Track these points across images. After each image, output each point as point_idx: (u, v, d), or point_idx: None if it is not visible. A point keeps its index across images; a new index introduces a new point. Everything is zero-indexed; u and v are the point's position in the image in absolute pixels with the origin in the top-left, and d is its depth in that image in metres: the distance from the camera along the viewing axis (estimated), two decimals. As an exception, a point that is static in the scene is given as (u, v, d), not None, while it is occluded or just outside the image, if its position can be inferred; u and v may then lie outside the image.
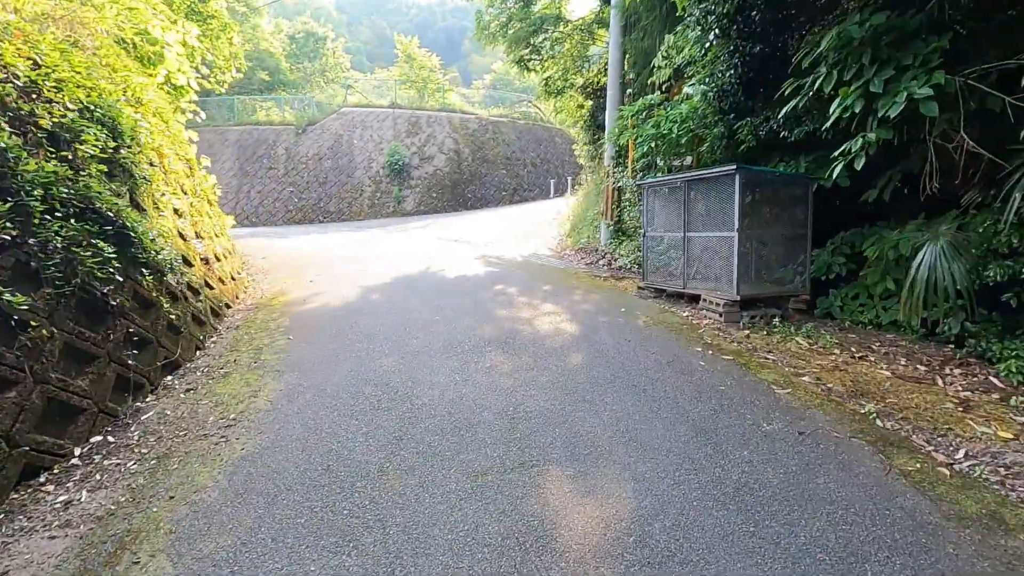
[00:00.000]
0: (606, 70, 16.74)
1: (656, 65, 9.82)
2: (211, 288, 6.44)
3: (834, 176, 4.67)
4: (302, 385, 4.37)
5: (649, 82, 10.37)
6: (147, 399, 4.09)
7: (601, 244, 11.56)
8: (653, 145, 8.84)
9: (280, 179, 24.30)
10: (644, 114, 9.90)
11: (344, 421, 3.72)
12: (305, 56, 32.88)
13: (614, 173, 11.27)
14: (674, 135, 8.40)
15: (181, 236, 6.17)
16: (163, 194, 6.05)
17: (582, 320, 6.33)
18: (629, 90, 12.19)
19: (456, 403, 4.00)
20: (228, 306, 6.87)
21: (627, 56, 11.80)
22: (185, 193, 7.16)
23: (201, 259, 6.50)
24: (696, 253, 7.10)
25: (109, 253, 4.09)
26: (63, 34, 5.86)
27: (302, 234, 15.77)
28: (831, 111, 4.59)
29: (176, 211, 6.37)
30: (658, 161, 9.56)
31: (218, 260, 7.27)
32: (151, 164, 6.11)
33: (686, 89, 9.85)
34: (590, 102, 18.14)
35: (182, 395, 4.18)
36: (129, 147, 5.42)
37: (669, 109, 8.89)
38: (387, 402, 4.03)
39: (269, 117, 25.55)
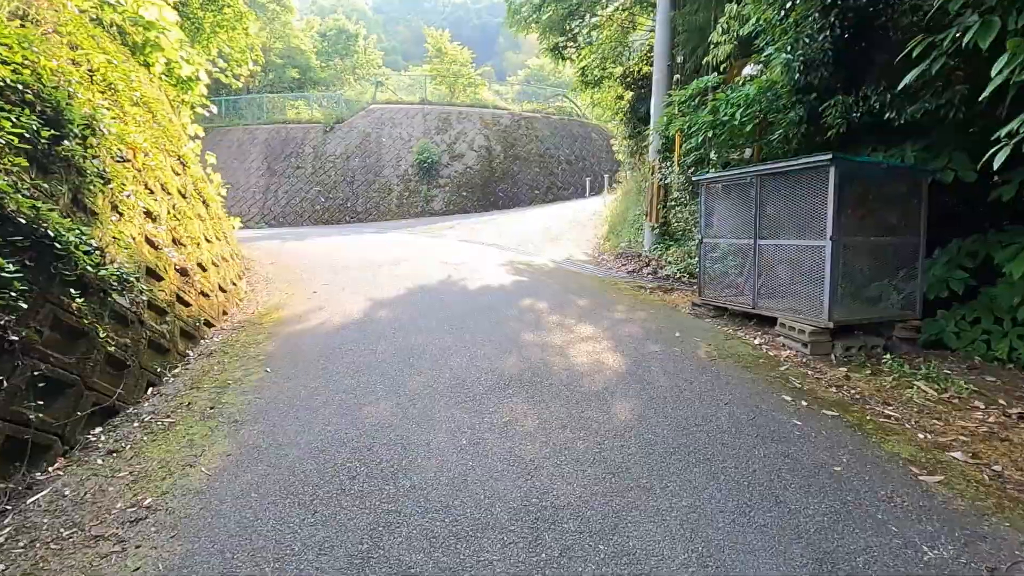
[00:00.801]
0: (648, 57, 15.37)
1: (713, 42, 8.44)
2: (187, 305, 5.48)
3: (995, 165, 3.29)
4: (258, 448, 3.30)
5: (704, 62, 8.99)
6: (52, 466, 3.09)
7: (644, 249, 10.25)
8: (710, 135, 7.49)
9: (307, 178, 23.74)
10: (696, 100, 8.55)
11: (297, 518, 2.62)
12: (336, 53, 32.43)
13: (660, 169, 9.94)
14: (736, 122, 7.04)
15: (151, 244, 5.22)
16: (129, 194, 5.12)
17: (628, 349, 5.09)
18: (676, 76, 10.82)
19: (457, 487, 2.85)
20: (210, 324, 5.91)
21: (677, 34, 10.42)
22: (169, 193, 6.25)
23: (177, 270, 5.55)
24: (769, 265, 5.75)
25: (10, 272, 3.12)
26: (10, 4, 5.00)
27: (322, 236, 14.97)
28: (994, 73, 3.22)
29: (149, 214, 5.44)
30: (711, 155, 8.21)
31: (204, 270, 6.33)
32: (119, 159, 5.19)
33: (748, 70, 8.47)
34: (630, 93, 16.79)
35: (99, 461, 3.17)
36: (80, 138, 4.48)
37: (730, 92, 7.52)
38: (363, 482, 2.91)
39: (297, 115, 25.05)
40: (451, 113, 24.93)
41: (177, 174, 6.96)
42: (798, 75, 5.90)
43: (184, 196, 6.81)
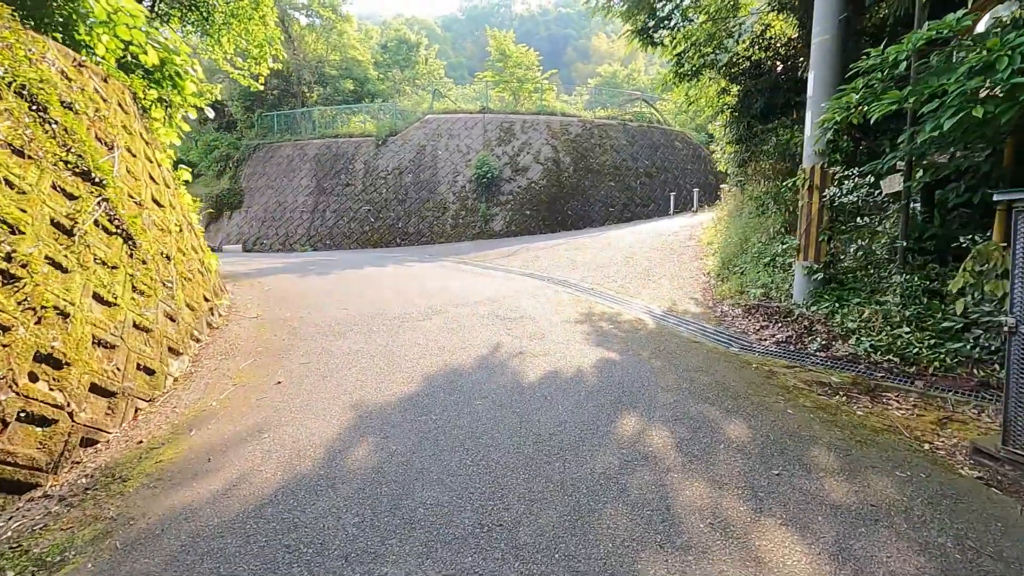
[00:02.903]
0: (762, 40, 12.06)
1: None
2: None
3: None
4: None
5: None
6: None
7: (796, 300, 6.71)
8: (977, 113, 3.97)
9: (357, 196, 21.65)
10: (923, 64, 5.04)
11: None
12: (396, 64, 30.76)
13: (826, 179, 6.42)
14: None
15: None
16: None
17: None
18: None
19: None
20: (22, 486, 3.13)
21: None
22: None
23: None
24: None
25: None
26: None
27: (353, 268, 12.38)
28: None
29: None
30: (956, 151, 4.66)
31: (64, 367, 3.59)
32: None
33: (1004, 8, 4.89)
34: (737, 86, 13.31)
35: None
36: None
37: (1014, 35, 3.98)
38: None
39: (349, 129, 23.16)
40: (514, 122, 22.15)
41: (67, 195, 4.35)
42: None
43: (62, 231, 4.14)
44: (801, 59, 11.29)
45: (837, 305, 6.11)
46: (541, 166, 21.29)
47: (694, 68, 12.95)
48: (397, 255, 16.02)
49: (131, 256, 5.06)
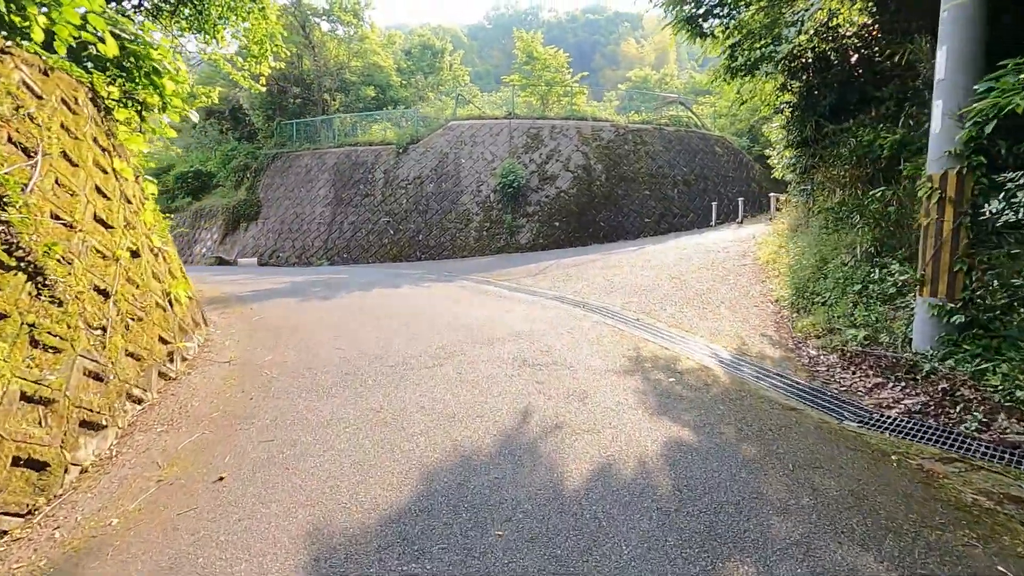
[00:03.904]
0: (824, 31, 10.62)
1: None
2: None
3: None
4: None
5: None
6: None
7: (922, 350, 5.06)
8: None
9: (376, 207, 20.53)
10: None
11: None
12: (420, 71, 29.75)
13: (971, 192, 4.80)
14: None
15: None
16: None
17: None
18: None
19: None
20: None
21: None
22: None
23: None
24: None
25: None
26: None
27: (360, 291, 11.08)
28: None
29: None
30: None
31: None
32: None
33: None
34: (798, 82, 11.77)
35: None
36: None
37: None
38: None
39: (369, 137, 22.12)
40: (542, 127, 20.76)
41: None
42: None
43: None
44: (876, 48, 9.73)
45: (988, 360, 4.46)
46: (571, 174, 19.83)
47: (749, 62, 11.38)
48: (414, 272, 14.73)
49: (37, 297, 3.79)
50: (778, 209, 15.03)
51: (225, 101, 26.89)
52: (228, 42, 9.66)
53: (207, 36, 9.48)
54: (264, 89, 10.45)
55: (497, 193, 19.45)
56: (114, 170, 5.77)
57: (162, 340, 5.28)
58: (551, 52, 23.05)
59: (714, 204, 20.34)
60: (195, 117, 7.67)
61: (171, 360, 5.31)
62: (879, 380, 4.95)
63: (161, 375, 5.05)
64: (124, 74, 6.65)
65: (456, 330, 7.26)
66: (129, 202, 5.89)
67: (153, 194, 6.47)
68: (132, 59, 6.62)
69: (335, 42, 25.94)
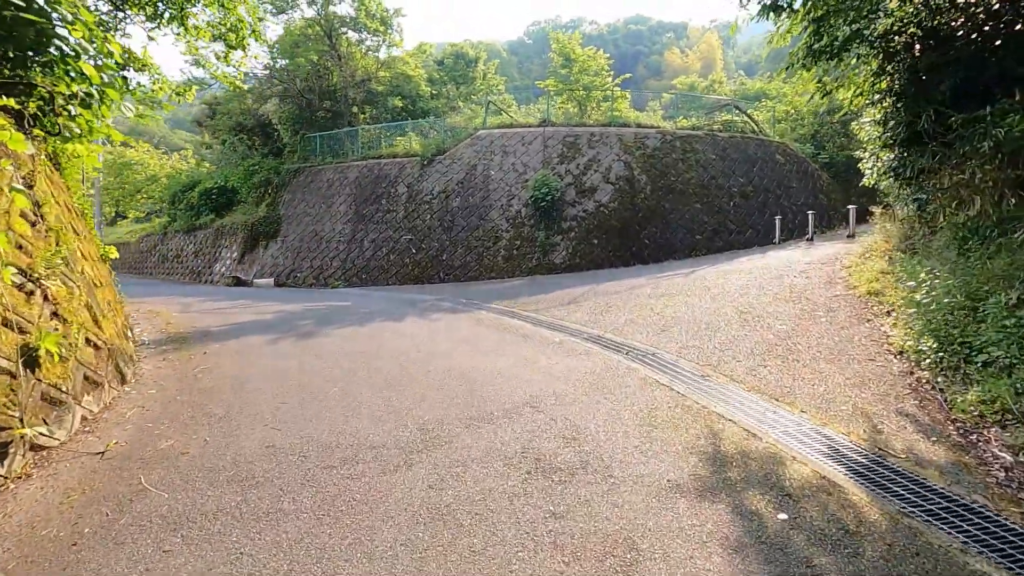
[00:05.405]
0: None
1: None
2: None
3: None
4: None
5: None
6: None
7: None
8: None
9: (398, 224, 18.97)
10: None
11: None
12: (452, 80, 28.41)
13: None
14: None
15: None
16: None
17: None
18: None
19: None
20: None
21: None
22: None
23: None
24: None
25: None
26: None
27: (356, 324, 9.29)
28: None
29: None
30: None
31: None
32: None
33: None
34: (898, 65, 9.62)
35: None
36: None
37: None
38: None
39: (393, 149, 20.70)
40: (580, 135, 18.81)
41: None
42: None
43: None
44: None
45: None
46: (611, 186, 17.74)
47: (838, 42, 9.15)
48: (429, 298, 12.91)
49: None
50: (858, 224, 12.49)
51: (253, 116, 26.22)
52: (205, 32, 8.15)
53: (174, 22, 8.01)
54: (243, 85, 8.90)
55: (529, 207, 17.55)
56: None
57: (-6, 426, 3.53)
58: (590, 53, 21.13)
59: (777, 219, 17.79)
60: (129, 111, 6.09)
61: (3, 456, 3.54)
62: None
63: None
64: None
65: (451, 392, 5.30)
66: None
67: (36, 206, 4.81)
68: (32, 36, 5.08)
69: (362, 52, 24.88)
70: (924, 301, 5.97)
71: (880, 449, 3.95)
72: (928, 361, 5.21)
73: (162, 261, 26.71)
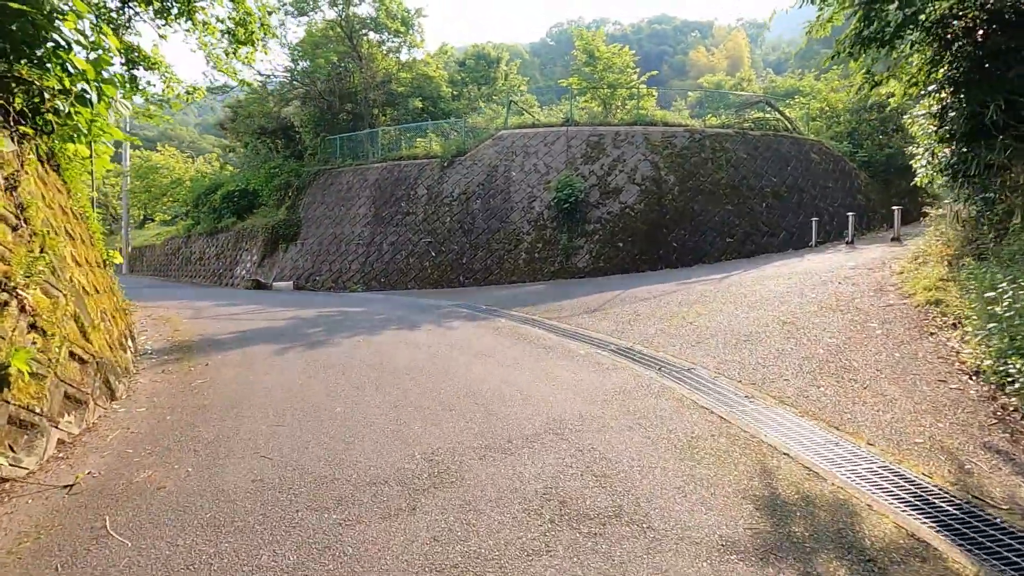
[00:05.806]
0: None
1: None
2: None
3: None
4: None
5: None
6: None
7: None
8: None
9: (417, 227, 18.59)
10: None
11: None
12: (474, 81, 28.02)
13: None
14: None
15: None
16: None
17: None
18: None
19: None
20: None
21: None
22: None
23: None
24: None
25: None
26: None
27: (368, 332, 8.86)
28: None
29: None
30: None
31: None
32: None
33: None
34: (956, 53, 8.86)
35: None
36: None
37: None
38: None
39: (413, 150, 20.36)
40: (604, 135, 18.16)
41: None
42: None
43: None
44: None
45: None
46: (637, 187, 17.05)
47: (889, 28, 8.44)
48: (447, 303, 12.44)
49: None
50: (903, 225, 11.59)
51: (275, 119, 26.21)
52: (214, 28, 7.82)
53: (186, 19, 7.69)
54: (251, 82, 8.54)
55: (551, 209, 16.98)
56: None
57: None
58: (615, 49, 20.46)
59: (814, 220, 16.87)
60: (126, 111, 5.73)
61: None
62: None
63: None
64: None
65: (465, 414, 4.78)
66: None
67: (19, 209, 4.43)
68: (21, 26, 4.73)
69: (383, 53, 24.67)
70: (1008, 315, 5.22)
71: (975, 497, 3.29)
72: (1018, 385, 4.49)
73: (185, 264, 26.86)
